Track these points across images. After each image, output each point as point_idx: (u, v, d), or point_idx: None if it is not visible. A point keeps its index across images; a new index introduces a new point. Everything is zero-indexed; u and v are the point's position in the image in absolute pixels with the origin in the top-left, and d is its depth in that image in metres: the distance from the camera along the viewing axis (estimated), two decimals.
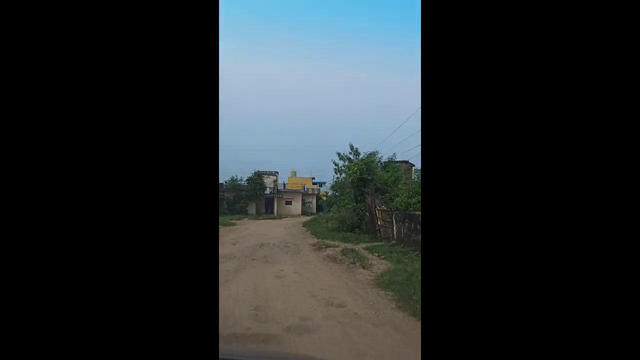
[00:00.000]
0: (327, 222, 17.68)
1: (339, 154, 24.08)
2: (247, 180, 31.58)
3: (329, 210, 22.62)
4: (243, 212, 29.66)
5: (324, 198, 41.30)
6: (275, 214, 31.72)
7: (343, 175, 24.01)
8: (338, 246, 10.19)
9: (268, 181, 33.02)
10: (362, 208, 13.39)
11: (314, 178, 42.18)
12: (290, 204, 34.28)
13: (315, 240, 12.27)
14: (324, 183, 45.16)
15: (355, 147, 22.52)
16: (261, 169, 32.49)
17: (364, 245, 10.34)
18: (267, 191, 32.78)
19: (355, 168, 13.72)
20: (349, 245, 10.22)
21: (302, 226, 19.27)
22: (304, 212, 34.10)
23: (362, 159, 14.32)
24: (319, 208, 36.90)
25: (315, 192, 38.13)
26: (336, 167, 24.88)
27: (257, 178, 31.59)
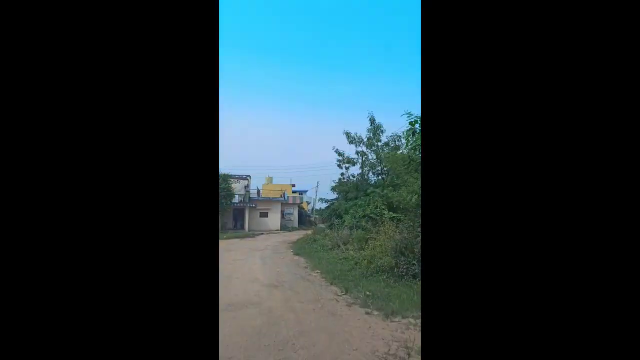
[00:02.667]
0: (342, 245, 9.87)
1: (348, 135, 15.49)
2: None
3: (333, 224, 14.23)
4: None
5: (306, 209, 33.71)
6: (247, 229, 23.40)
7: (354, 167, 16.00)
8: None
9: (237, 187, 24.65)
10: None
11: (294, 185, 34.76)
12: (267, 216, 25.92)
13: (374, 332, 4.47)
14: (306, 191, 37.65)
15: (377, 121, 14.77)
16: (224, 171, 23.93)
17: None
18: (236, 199, 24.32)
19: None
20: None
21: (294, 254, 11.17)
22: (284, 227, 25.93)
23: None
24: (302, 221, 29.10)
25: (297, 201, 30.11)
26: (340, 160, 16.68)
27: (223, 183, 23.12)
